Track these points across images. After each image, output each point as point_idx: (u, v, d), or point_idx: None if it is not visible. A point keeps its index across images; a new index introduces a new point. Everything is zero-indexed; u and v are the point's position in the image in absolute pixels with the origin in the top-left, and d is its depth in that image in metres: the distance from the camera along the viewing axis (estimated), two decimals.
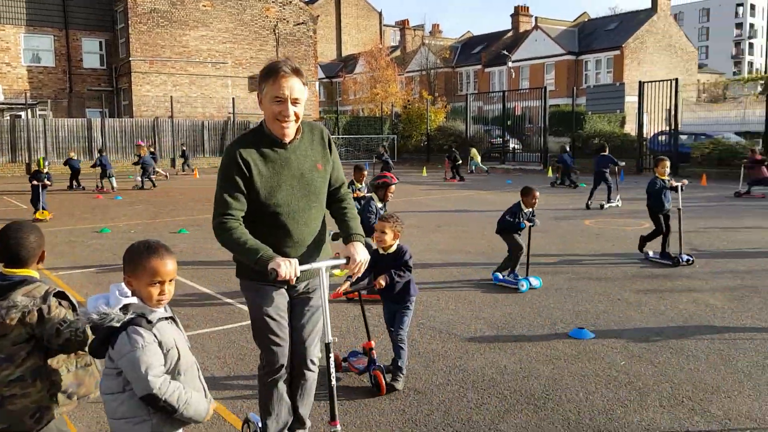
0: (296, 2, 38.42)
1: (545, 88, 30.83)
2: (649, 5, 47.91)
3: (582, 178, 21.34)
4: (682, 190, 8.39)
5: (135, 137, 30.78)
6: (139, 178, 21.13)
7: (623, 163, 16.17)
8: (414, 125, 38.37)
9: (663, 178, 8.52)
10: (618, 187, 15.75)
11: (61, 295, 2.63)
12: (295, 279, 2.83)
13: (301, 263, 2.86)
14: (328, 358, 2.96)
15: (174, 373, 2.30)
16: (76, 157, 22.31)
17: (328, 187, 3.21)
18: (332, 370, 2.96)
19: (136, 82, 33.23)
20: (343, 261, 3.03)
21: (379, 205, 6.87)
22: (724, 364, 4.78)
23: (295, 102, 2.91)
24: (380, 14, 68.19)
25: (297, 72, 2.91)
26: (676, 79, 25.06)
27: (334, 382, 2.95)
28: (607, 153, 15.38)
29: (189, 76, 34.75)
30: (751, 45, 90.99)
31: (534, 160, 30.40)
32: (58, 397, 2.62)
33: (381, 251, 4.48)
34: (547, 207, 14.54)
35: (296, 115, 2.94)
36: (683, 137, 25.44)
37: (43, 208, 13.69)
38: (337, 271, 6.80)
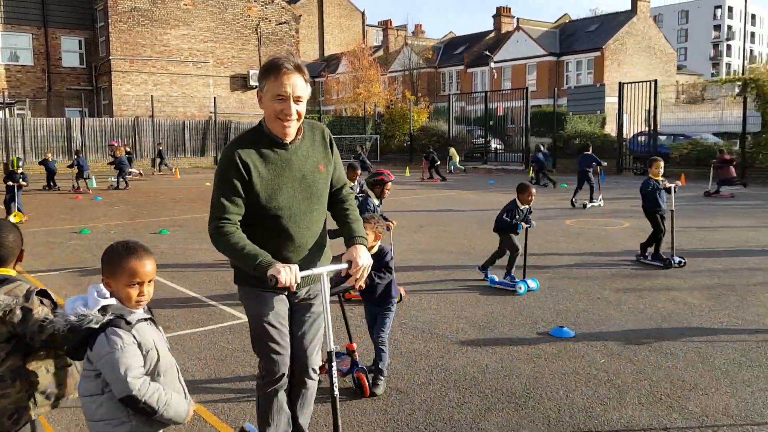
0: (278, 1, 38.26)
1: (527, 88, 31.06)
2: (629, 7, 48.43)
3: (563, 178, 21.51)
4: (675, 191, 8.40)
5: (115, 137, 30.50)
6: (114, 179, 21.13)
7: (605, 163, 16.33)
8: (397, 125, 38.41)
9: (657, 178, 8.45)
10: (600, 187, 15.90)
11: (42, 294, 2.61)
12: (295, 285, 2.69)
13: (302, 268, 2.75)
14: (330, 367, 2.78)
15: (153, 374, 2.29)
16: (52, 158, 22.07)
17: (329, 188, 3.09)
18: (335, 380, 2.76)
19: (116, 81, 32.90)
20: (345, 266, 2.88)
21: (376, 202, 6.85)
22: (701, 361, 4.85)
23: (297, 100, 2.79)
24: (363, 14, 68.18)
25: (299, 68, 2.79)
26: (656, 81, 25.40)
27: (337, 392, 2.76)
28: (590, 152, 15.52)
29: (170, 76, 34.47)
30: (728, 47, 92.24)
31: (516, 160, 30.59)
32: (37, 397, 2.60)
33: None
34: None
35: (299, 113, 2.82)
36: (662, 138, 25.77)
37: (19, 209, 13.36)
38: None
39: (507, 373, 4.65)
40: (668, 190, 8.39)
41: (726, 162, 17.36)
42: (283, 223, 2.90)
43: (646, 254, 8.58)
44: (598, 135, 29.87)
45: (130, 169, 22.90)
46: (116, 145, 22.85)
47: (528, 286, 7.07)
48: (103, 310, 2.24)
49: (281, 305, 3.02)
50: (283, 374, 3.06)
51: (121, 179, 20.85)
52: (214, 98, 33.94)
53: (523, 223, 7.22)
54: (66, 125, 30.14)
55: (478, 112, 35.01)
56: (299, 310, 3.10)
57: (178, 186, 22.24)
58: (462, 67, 55.31)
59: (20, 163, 14.58)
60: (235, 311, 6.34)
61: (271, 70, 2.77)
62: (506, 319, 6.03)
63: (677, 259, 8.25)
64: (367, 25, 69.41)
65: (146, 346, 2.27)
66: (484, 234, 11.02)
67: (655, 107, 24.74)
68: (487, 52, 50.97)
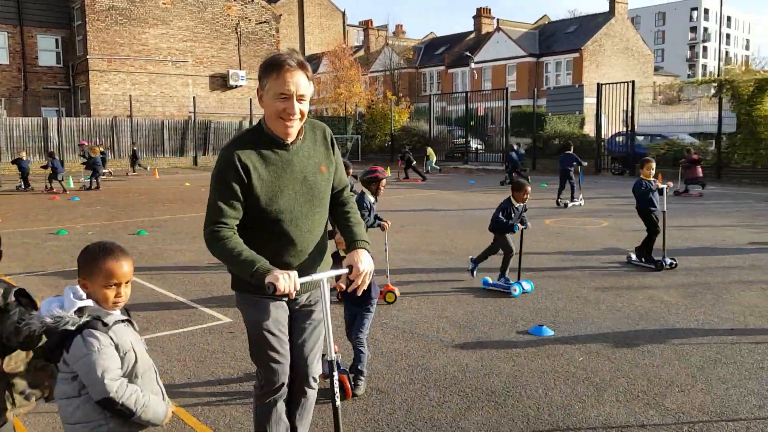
0: (258, 1, 38.05)
1: (507, 89, 31.27)
2: (607, 9, 48.95)
3: (543, 178, 21.65)
4: (666, 192, 8.40)
5: (93, 137, 30.13)
6: (87, 180, 21.02)
7: (586, 163, 16.47)
8: (378, 125, 38.41)
9: (648, 179, 8.40)
10: (581, 186, 16.03)
11: (21, 293, 2.57)
12: (294, 293, 2.56)
13: (303, 273, 2.62)
14: (332, 376, 2.64)
15: (131, 376, 2.27)
16: (26, 158, 21.85)
17: (330, 190, 2.98)
18: (336, 389, 2.65)
19: (93, 80, 32.50)
20: (345, 271, 2.75)
21: (372, 199, 6.81)
22: (678, 359, 4.92)
23: (300, 99, 2.68)
24: (344, 14, 68.04)
25: (302, 66, 2.68)
26: (633, 82, 25.70)
27: (338, 402, 2.66)
28: (571, 152, 15.64)
29: (148, 75, 34.12)
30: (705, 48, 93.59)
31: (496, 160, 30.74)
32: (15, 398, 2.56)
33: (342, 254, 4.47)
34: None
35: (302, 113, 2.71)
36: (640, 138, 26.06)
37: None
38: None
39: (487, 372, 4.68)
40: (661, 192, 8.34)
41: (694, 162, 17.63)
42: (283, 226, 2.78)
43: (629, 255, 8.62)
44: (577, 135, 30.12)
45: (103, 170, 22.78)
46: (87, 144, 22.56)
47: (523, 288, 7.01)
48: (80, 311, 2.22)
49: (281, 312, 2.90)
50: (283, 383, 2.95)
51: (94, 180, 20.71)
52: (194, 98, 33.66)
53: (519, 224, 7.19)
54: (43, 125, 29.71)
55: (459, 113, 35.16)
56: (299, 317, 2.99)
57: (157, 186, 22.03)
58: (443, 67, 55.52)
59: None
60: (215, 312, 6.30)
61: (273, 67, 2.66)
62: (486, 319, 6.06)
63: (668, 261, 8.21)
64: (347, 25, 69.28)
65: (124, 347, 2.25)
66: (466, 233, 11.07)
67: (633, 108, 25.04)
68: (468, 53, 51.22)
